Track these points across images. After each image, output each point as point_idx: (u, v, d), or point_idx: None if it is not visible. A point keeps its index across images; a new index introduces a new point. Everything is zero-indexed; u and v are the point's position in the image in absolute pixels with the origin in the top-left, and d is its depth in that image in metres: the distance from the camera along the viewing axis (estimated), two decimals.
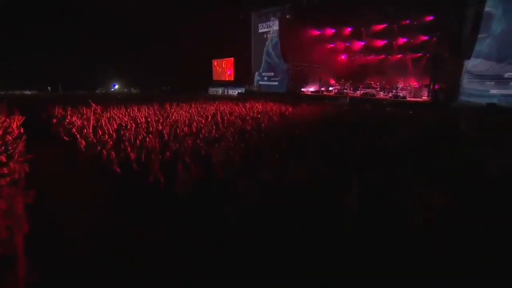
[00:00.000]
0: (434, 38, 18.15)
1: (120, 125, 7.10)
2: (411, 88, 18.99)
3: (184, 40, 29.57)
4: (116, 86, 42.18)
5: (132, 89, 42.36)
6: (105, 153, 4.57)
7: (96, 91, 37.45)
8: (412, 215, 2.76)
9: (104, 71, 36.64)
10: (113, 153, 4.50)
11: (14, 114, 8.50)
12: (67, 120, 7.57)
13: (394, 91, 19.61)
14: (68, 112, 8.76)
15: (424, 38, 19.08)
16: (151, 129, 6.76)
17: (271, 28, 25.87)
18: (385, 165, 3.81)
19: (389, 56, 21.42)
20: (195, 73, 30.83)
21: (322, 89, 24.10)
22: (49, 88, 34.79)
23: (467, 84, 15.40)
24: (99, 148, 4.93)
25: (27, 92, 32.78)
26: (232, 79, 30.54)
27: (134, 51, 33.48)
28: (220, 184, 3.33)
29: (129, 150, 4.69)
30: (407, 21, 19.47)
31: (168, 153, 4.68)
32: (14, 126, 5.89)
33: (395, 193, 3.03)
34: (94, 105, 6.92)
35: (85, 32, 31.76)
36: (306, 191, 3.06)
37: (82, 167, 4.73)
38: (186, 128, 6.85)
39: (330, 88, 24.01)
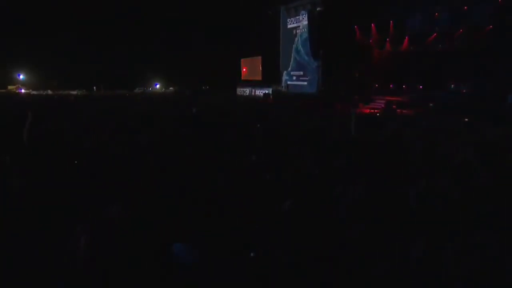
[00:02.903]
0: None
1: None
2: (466, 88, 15.92)
3: (213, 39, 29.29)
4: (158, 86, 43.49)
5: (171, 88, 43.29)
6: None
7: (135, 90, 38.94)
8: None
9: (146, 70, 38.27)
10: None
11: None
12: None
13: (444, 91, 16.71)
14: None
15: (485, 26, 15.63)
16: None
17: (300, 23, 23.87)
18: None
19: (439, 50, 18.14)
20: (223, 73, 30.40)
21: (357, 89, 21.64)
22: (94, 88, 37.06)
23: None
24: None
25: (73, 92, 35.22)
26: (260, 78, 29.25)
27: (172, 50, 34.37)
28: None
29: None
30: (464, 8, 16.22)
31: None
32: None
33: None
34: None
35: (129, 33, 33.46)
36: None
37: None
38: None
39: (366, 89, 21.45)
